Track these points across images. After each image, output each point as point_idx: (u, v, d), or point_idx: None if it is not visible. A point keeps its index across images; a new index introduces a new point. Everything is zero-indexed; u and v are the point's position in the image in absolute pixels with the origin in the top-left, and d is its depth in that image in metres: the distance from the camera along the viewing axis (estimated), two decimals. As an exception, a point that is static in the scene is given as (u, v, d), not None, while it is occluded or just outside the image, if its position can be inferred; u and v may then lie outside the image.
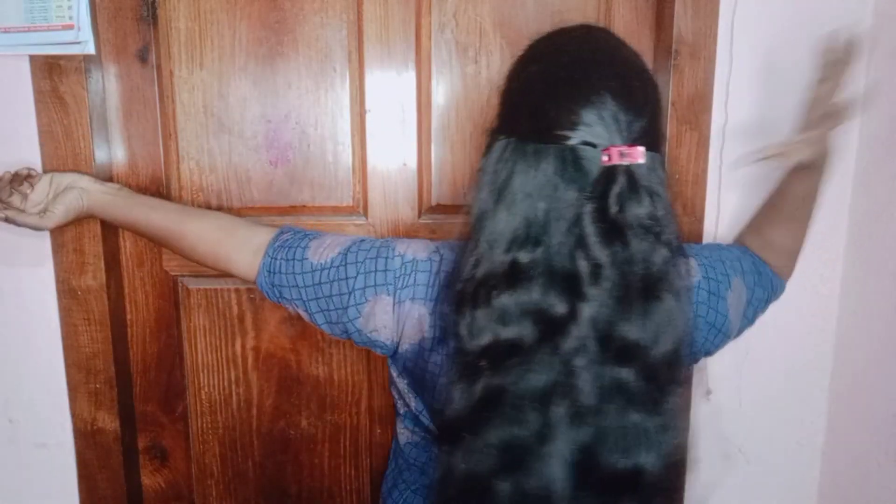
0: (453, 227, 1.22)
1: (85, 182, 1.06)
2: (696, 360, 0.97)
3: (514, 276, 0.71)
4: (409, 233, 1.22)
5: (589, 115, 0.71)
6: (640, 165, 0.70)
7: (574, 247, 0.70)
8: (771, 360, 1.26)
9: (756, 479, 1.31)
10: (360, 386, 1.28)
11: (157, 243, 1.13)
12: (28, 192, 1.02)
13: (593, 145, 0.71)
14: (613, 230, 0.69)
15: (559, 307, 0.70)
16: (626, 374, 0.70)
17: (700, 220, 1.18)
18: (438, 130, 1.21)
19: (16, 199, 1.02)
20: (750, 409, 1.27)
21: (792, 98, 1.11)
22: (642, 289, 0.70)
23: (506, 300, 0.71)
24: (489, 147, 0.77)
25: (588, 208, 0.70)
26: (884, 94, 1.13)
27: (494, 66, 1.19)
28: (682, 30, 1.13)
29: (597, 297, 0.69)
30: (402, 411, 1.01)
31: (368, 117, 1.20)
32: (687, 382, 0.75)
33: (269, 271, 0.94)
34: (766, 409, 1.28)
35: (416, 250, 0.89)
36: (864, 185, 1.17)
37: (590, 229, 0.69)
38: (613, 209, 0.69)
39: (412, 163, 1.21)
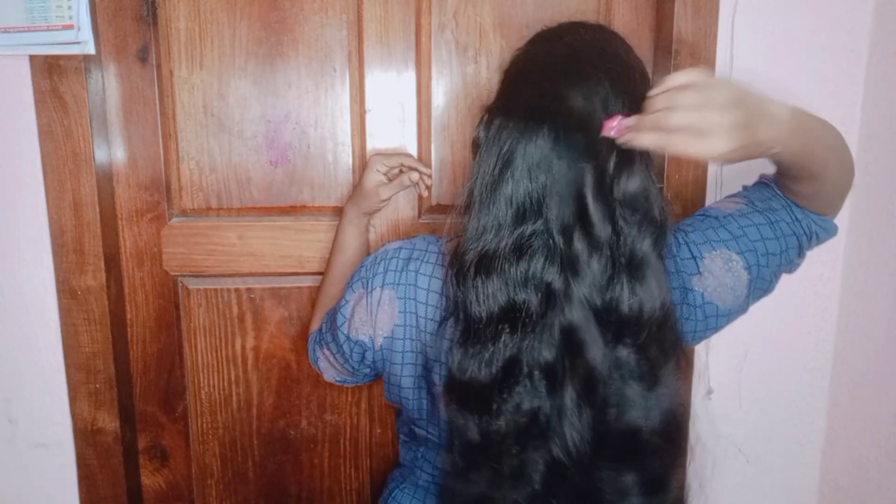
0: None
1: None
2: (694, 342, 0.91)
3: (519, 247, 0.73)
4: (409, 232, 1.22)
5: (578, 98, 0.72)
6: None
7: (573, 221, 0.71)
8: (771, 360, 1.26)
9: (756, 479, 1.31)
10: (360, 386, 1.28)
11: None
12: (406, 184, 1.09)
13: (584, 124, 0.71)
14: (609, 206, 0.70)
15: (557, 282, 0.72)
16: (623, 352, 0.72)
17: (700, 220, 1.18)
18: (438, 130, 1.21)
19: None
20: (750, 409, 1.27)
21: (792, 99, 1.10)
22: (628, 267, 0.71)
23: (514, 270, 0.72)
24: (488, 123, 0.77)
25: (589, 182, 0.70)
26: (884, 94, 1.13)
27: (494, 66, 1.19)
28: (682, 30, 1.13)
29: (589, 274, 0.71)
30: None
31: (368, 117, 1.20)
32: (682, 362, 0.76)
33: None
34: (766, 409, 1.28)
35: (389, 244, 0.93)
36: (864, 186, 1.17)
37: (591, 205, 0.70)
38: (609, 182, 0.70)
39: (412, 163, 1.21)
